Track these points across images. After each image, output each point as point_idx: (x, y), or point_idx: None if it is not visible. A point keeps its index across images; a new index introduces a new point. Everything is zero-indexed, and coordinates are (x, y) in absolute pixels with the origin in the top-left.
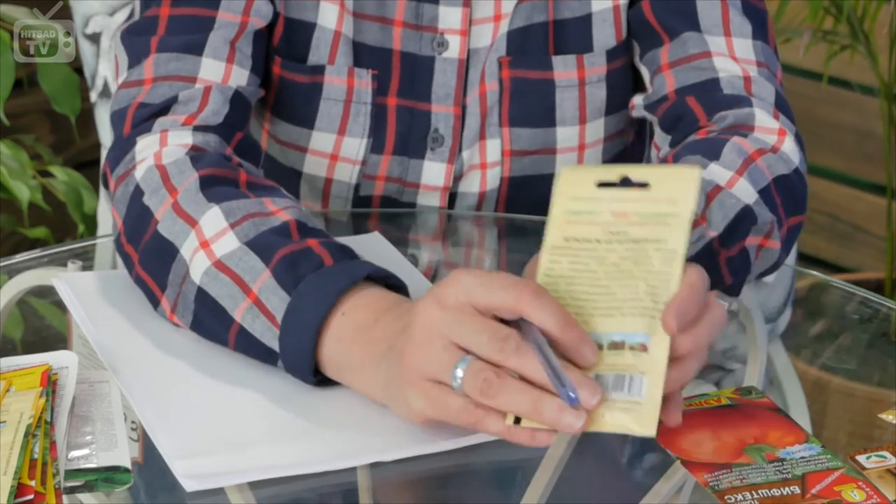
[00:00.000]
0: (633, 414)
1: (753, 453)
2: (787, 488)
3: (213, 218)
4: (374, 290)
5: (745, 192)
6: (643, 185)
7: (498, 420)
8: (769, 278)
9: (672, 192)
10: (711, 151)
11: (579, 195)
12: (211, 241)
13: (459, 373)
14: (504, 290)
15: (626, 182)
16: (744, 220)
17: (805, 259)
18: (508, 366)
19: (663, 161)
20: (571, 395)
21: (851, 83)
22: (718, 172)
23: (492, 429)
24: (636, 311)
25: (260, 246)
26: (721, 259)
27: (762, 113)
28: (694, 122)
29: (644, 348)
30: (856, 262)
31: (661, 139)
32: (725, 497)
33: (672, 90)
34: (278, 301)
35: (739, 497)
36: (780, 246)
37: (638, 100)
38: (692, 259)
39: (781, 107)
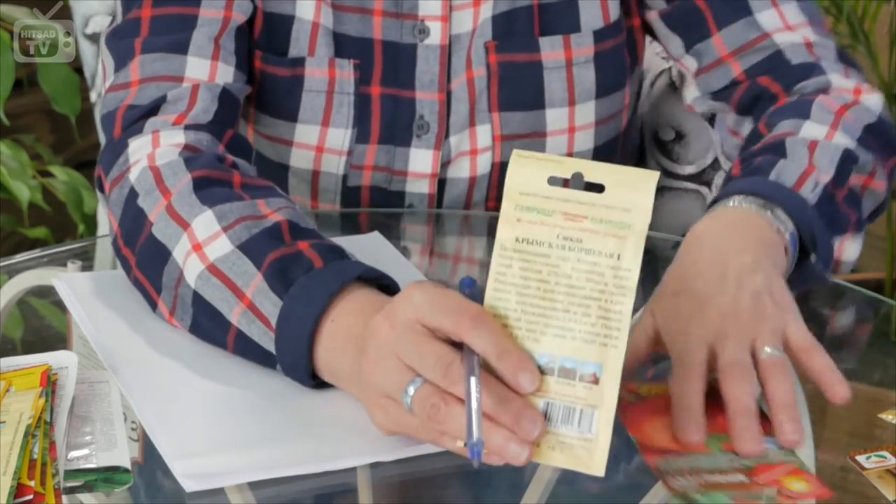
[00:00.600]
0: (583, 451)
1: (712, 442)
2: (732, 476)
3: (205, 221)
4: (364, 292)
5: (843, 142)
6: (597, 187)
7: (453, 440)
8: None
9: (627, 199)
10: (801, 112)
11: (529, 190)
12: (203, 244)
13: (411, 391)
14: (446, 316)
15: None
16: (847, 160)
17: None
18: (453, 392)
19: (753, 136)
20: (475, 448)
21: None
22: (815, 129)
23: (448, 447)
24: (588, 337)
25: (252, 249)
26: (839, 200)
27: (835, 76)
28: (772, 98)
29: (595, 380)
30: (856, 262)
31: (736, 124)
32: (667, 478)
33: (741, 73)
34: (271, 306)
35: (683, 480)
36: (884, 187)
37: (694, 93)
38: (815, 206)
39: (846, 60)
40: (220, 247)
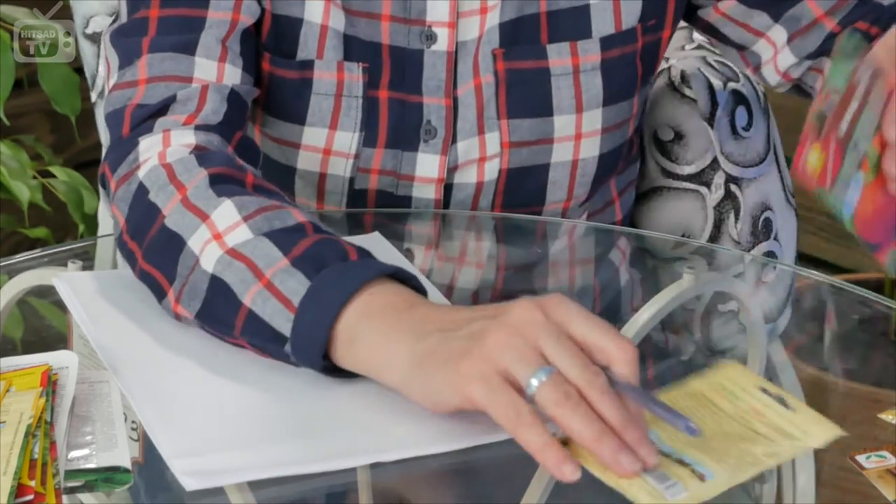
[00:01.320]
0: (652, 501)
1: None
2: None
3: (226, 211)
4: (401, 286)
5: None
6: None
7: (542, 434)
8: (770, 277)
9: (810, 429)
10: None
11: (736, 380)
12: (224, 233)
13: (536, 381)
14: (608, 332)
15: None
16: None
17: (805, 259)
18: (590, 397)
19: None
20: (692, 426)
21: None
22: None
23: (532, 438)
24: (716, 457)
25: (276, 238)
26: None
27: None
28: (871, 39)
29: (702, 479)
30: (856, 262)
31: None
32: None
33: (835, 25)
34: (296, 284)
35: None
36: None
37: (790, 60)
38: None
39: None
40: (241, 234)
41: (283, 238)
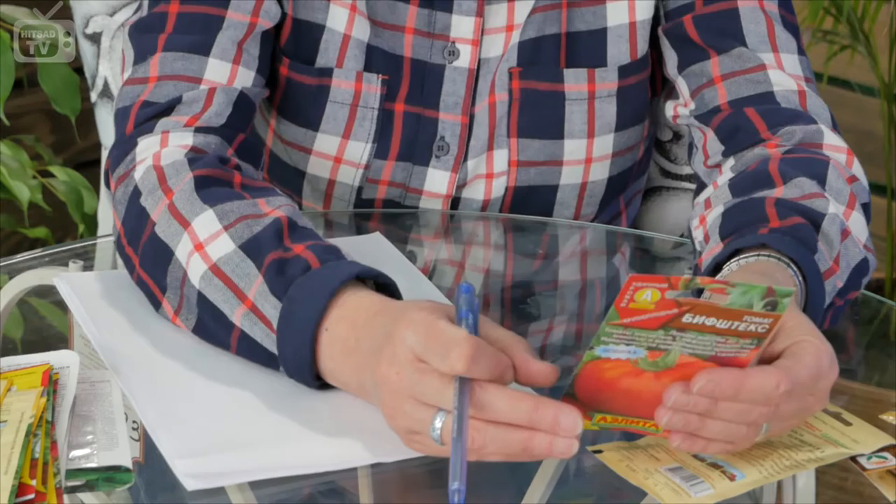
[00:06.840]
0: (676, 497)
1: None
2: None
3: (205, 220)
4: (358, 295)
5: (860, 230)
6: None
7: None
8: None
9: (862, 438)
10: (816, 174)
11: None
12: (205, 243)
13: (437, 425)
14: (440, 357)
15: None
16: (860, 270)
17: None
18: (480, 417)
19: (759, 177)
20: (453, 497)
21: (851, 83)
22: (836, 206)
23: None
24: (752, 461)
25: (253, 249)
26: (831, 310)
27: (828, 131)
28: (754, 133)
29: (732, 478)
30: None
31: (712, 147)
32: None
33: (725, 101)
34: (271, 308)
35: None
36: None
37: (683, 111)
38: (826, 310)
39: (835, 125)
40: (222, 246)
41: (259, 248)
